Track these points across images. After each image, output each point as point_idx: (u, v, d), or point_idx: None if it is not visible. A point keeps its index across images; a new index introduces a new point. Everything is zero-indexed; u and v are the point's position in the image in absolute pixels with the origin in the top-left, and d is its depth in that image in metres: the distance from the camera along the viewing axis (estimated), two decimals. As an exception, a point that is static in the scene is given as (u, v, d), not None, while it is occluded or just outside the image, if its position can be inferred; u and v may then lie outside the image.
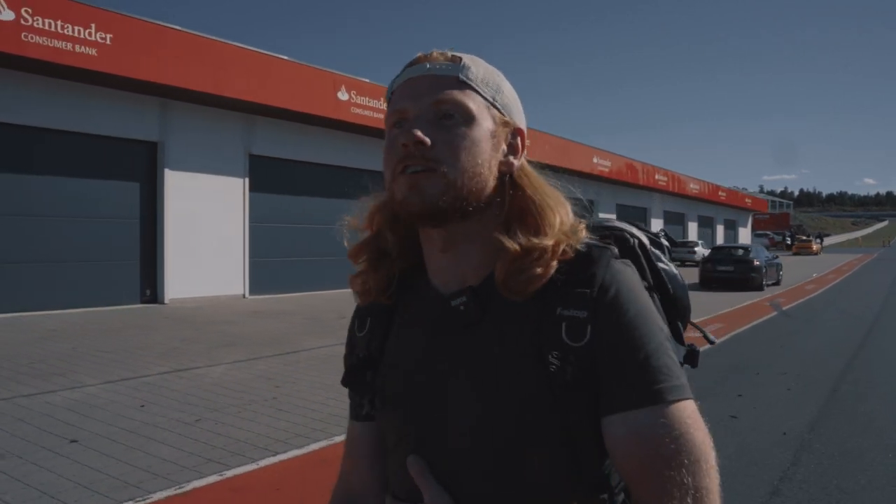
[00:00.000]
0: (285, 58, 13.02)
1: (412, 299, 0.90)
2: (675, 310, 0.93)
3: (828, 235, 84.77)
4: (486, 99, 0.83)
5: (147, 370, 6.61)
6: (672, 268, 0.94)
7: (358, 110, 14.03)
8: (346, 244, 0.92)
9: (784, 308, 14.05)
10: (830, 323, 11.87)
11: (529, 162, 0.89)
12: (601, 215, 21.17)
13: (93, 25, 9.77)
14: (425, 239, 0.87)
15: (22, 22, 9.04)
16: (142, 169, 11.85)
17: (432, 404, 0.84)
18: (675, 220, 35.84)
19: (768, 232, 66.80)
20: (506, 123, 0.85)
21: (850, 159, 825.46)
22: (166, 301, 11.90)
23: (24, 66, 9.52)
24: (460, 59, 0.84)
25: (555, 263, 0.80)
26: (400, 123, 0.82)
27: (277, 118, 13.35)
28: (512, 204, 0.84)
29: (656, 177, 30.25)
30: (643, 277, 0.87)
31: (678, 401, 0.75)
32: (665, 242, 0.97)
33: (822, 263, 35.23)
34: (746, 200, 48.53)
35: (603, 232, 0.89)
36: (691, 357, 0.94)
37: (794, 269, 29.67)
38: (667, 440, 0.73)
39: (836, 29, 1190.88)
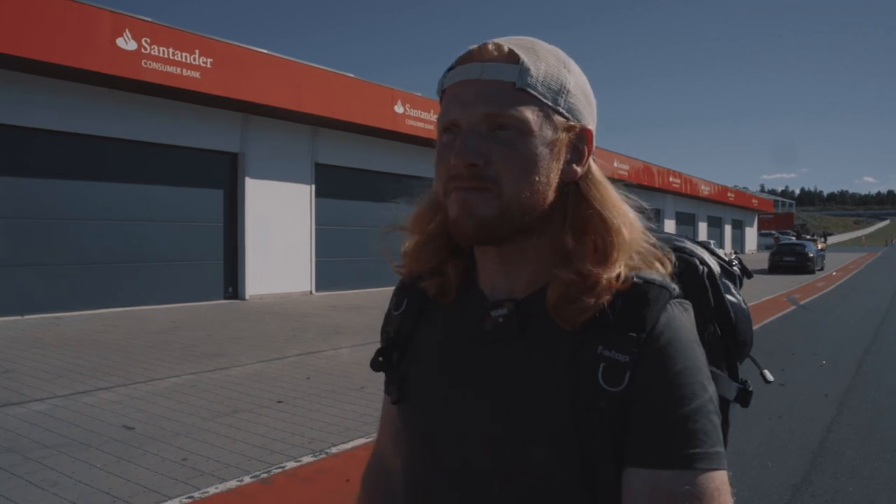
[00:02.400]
0: (351, 75, 14.33)
1: (457, 297, 0.86)
2: (737, 346, 0.87)
3: (831, 234, 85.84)
4: (546, 104, 0.76)
5: (285, 353, 7.89)
6: (740, 300, 0.87)
7: (412, 122, 15.35)
8: (390, 251, 0.94)
9: (801, 302, 15.31)
10: (846, 315, 13.11)
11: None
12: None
13: (197, 51, 11.06)
14: (479, 248, 0.83)
15: (142, 51, 10.32)
16: (225, 177, 13.16)
17: (445, 413, 0.82)
18: (687, 221, 37.13)
19: (773, 231, 67.89)
20: (569, 127, 0.78)
21: (849, 158, 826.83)
22: (247, 297, 13.20)
23: (141, 90, 10.82)
24: (519, 57, 0.75)
25: (609, 296, 0.74)
26: (450, 130, 0.77)
27: (341, 129, 14.62)
28: (575, 216, 0.78)
29: (670, 179, 31.54)
30: (706, 310, 0.82)
31: (710, 470, 0.69)
32: (737, 271, 0.90)
33: (829, 262, 36.43)
34: (753, 201, 49.79)
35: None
36: (743, 397, 0.87)
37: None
38: None
39: (835, 29, 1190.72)
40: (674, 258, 0.80)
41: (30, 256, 10.34)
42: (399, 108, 15.04)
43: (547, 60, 0.77)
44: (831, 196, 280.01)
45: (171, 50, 10.69)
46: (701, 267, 0.83)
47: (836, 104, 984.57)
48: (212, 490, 3.76)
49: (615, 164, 25.59)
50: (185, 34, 11.02)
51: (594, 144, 0.80)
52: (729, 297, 0.85)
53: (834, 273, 26.96)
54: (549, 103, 0.76)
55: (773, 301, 15.45)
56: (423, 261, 0.87)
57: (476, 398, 0.80)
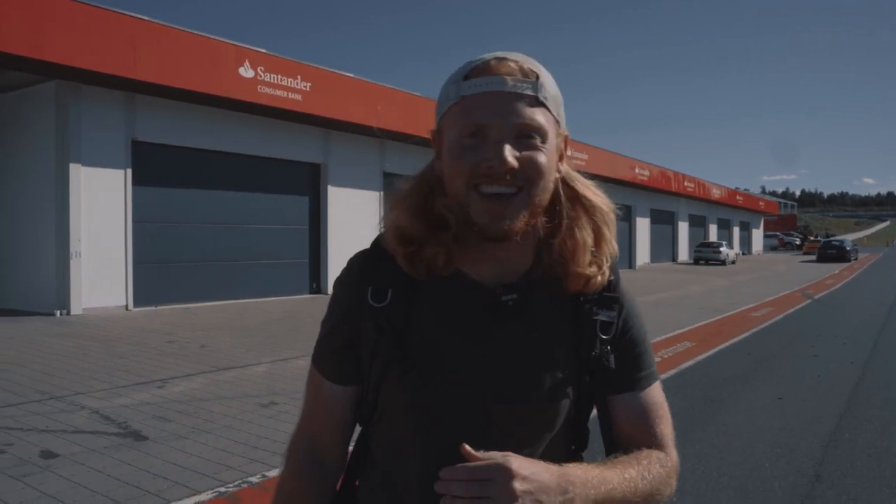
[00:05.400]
0: (417, 94, 16.08)
1: (440, 282, 0.95)
2: None
3: (833, 236, 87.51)
4: (553, 115, 0.90)
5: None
6: None
7: (466, 135, 17.15)
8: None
9: (815, 297, 17.01)
10: (857, 307, 14.76)
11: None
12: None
13: (299, 77, 12.77)
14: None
15: (258, 77, 12.05)
16: (309, 185, 14.92)
17: (480, 385, 0.92)
18: (698, 223, 38.84)
19: (777, 233, 69.51)
20: (561, 134, 0.94)
21: (848, 159, 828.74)
22: (328, 292, 14.91)
23: (256, 111, 12.55)
24: (537, 75, 0.89)
25: (609, 267, 0.98)
26: (477, 134, 0.86)
27: (404, 142, 16.35)
28: (574, 208, 0.96)
29: (685, 183, 33.26)
30: None
31: (659, 377, 1.04)
32: None
33: (831, 264, 38.12)
34: (760, 204, 51.52)
35: None
36: None
37: (814, 267, 32.43)
38: (664, 406, 1.02)
39: (835, 29, 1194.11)
40: None
41: (160, 255, 12.07)
42: (456, 123, 16.84)
43: (549, 78, 0.91)
44: (831, 197, 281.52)
45: (279, 76, 12.42)
46: None
47: (835, 105, 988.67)
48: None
49: (636, 171, 27.34)
50: (290, 62, 12.76)
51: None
52: None
53: (839, 272, 28.64)
54: (555, 115, 0.91)
55: (788, 296, 17.14)
56: (407, 233, 0.94)
57: (509, 369, 0.93)
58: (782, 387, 6.60)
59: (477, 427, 0.91)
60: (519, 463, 0.81)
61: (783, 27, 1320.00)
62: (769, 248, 61.67)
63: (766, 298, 16.29)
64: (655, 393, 1.00)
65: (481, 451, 0.82)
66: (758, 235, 53.94)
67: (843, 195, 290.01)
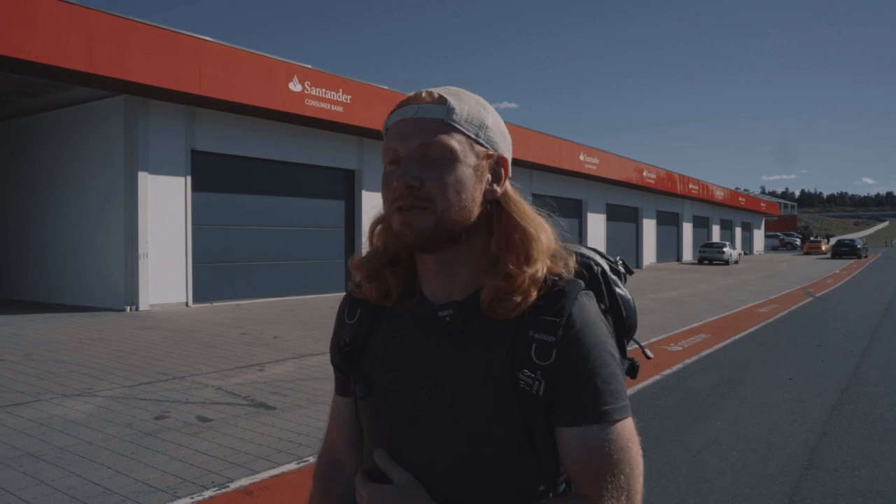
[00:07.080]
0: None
1: (403, 303, 1.03)
2: (625, 329, 1.08)
3: (833, 236, 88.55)
4: (469, 137, 0.93)
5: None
6: (627, 293, 1.08)
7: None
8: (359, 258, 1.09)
9: (816, 295, 18.03)
10: (855, 303, 15.74)
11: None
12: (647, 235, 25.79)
13: (340, 90, 13.81)
14: (419, 258, 1.00)
15: (305, 91, 13.09)
16: (345, 191, 15.97)
17: (409, 399, 0.97)
18: (702, 224, 39.89)
19: (778, 233, 70.51)
20: (489, 156, 0.96)
21: (848, 159, 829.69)
22: (362, 289, 16.02)
23: (301, 122, 13.58)
24: (446, 100, 0.93)
25: (535, 292, 0.93)
26: (396, 160, 0.94)
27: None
28: (500, 229, 0.96)
29: (690, 186, 34.31)
30: (601, 300, 1.02)
31: (622, 420, 0.92)
32: (622, 269, 1.10)
33: (833, 262, 39.17)
34: (761, 205, 52.57)
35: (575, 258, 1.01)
36: (632, 370, 1.10)
37: (815, 267, 33.41)
38: (612, 452, 0.90)
39: (836, 29, 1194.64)
40: (576, 258, 1.01)
41: (215, 255, 13.11)
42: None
43: (469, 103, 0.96)
44: (831, 198, 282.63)
45: (323, 90, 13.46)
46: (595, 266, 1.06)
47: (835, 105, 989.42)
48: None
49: (644, 174, 28.40)
50: (334, 77, 13.81)
51: (510, 169, 0.99)
52: (618, 290, 1.06)
53: (839, 271, 29.64)
54: (472, 136, 0.94)
55: (792, 294, 18.14)
56: (364, 267, 1.05)
57: (435, 385, 0.96)
58: (791, 370, 7.64)
59: (412, 437, 0.97)
60: (386, 493, 0.95)
61: (781, 27, 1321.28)
62: (770, 248, 62.71)
63: (771, 296, 17.29)
64: (603, 437, 0.91)
65: (392, 466, 0.96)
66: (759, 236, 55.01)
67: (843, 195, 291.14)
